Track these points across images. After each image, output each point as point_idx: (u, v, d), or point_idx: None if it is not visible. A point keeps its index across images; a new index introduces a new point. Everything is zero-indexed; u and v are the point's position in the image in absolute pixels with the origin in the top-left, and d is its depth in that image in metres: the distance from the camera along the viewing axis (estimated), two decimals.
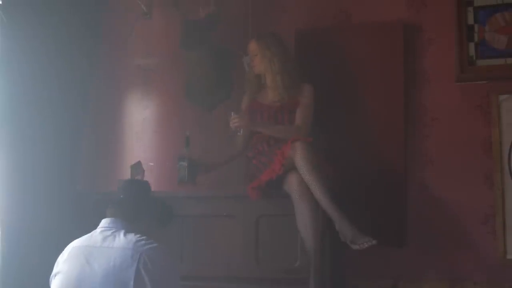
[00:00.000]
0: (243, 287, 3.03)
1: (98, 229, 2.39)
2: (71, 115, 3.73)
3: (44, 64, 3.46)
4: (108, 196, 2.71)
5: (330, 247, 2.97)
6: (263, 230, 3.09)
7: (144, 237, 2.30)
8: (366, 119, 3.43)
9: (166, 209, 2.58)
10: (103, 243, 2.30)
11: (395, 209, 3.32)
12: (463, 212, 3.27)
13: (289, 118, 3.27)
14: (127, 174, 3.39)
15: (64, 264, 2.33)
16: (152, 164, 3.70)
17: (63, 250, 2.41)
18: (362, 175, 3.32)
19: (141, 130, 3.84)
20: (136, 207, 2.44)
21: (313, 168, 2.90)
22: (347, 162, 3.29)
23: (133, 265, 2.20)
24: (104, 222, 2.40)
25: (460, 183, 3.28)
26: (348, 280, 3.23)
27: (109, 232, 2.33)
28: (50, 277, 2.39)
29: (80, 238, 2.40)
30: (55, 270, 2.37)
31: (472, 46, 3.34)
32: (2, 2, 3.29)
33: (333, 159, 3.16)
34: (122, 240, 2.28)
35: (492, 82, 3.29)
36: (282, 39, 3.35)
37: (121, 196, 2.45)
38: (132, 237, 2.29)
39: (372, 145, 3.40)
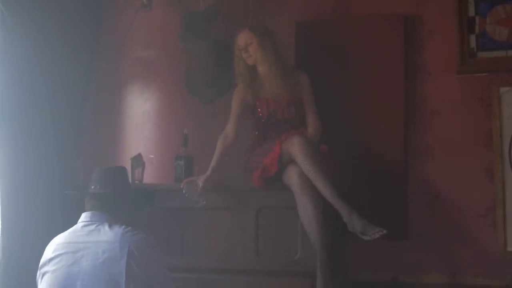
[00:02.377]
0: (243, 279, 3.03)
1: (80, 224, 2.35)
2: (71, 108, 3.73)
3: (44, 57, 3.46)
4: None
5: (334, 239, 2.97)
6: (263, 223, 3.10)
7: (129, 228, 2.28)
8: (367, 112, 3.42)
9: (145, 194, 2.55)
10: (88, 238, 2.27)
11: (396, 202, 3.32)
12: (463, 205, 3.27)
13: (296, 110, 3.25)
14: (127, 167, 3.39)
15: (51, 263, 2.29)
16: (152, 156, 3.70)
17: None
18: (363, 168, 3.31)
19: (141, 122, 3.84)
20: (117, 198, 2.40)
21: (314, 163, 2.89)
22: (348, 155, 3.29)
23: (122, 258, 2.19)
24: (84, 216, 2.37)
25: (461, 176, 3.28)
26: (349, 273, 3.23)
27: (92, 227, 2.31)
28: (37, 277, 2.35)
29: (61, 235, 2.36)
30: (41, 270, 2.33)
31: (473, 38, 3.33)
32: None
33: (333, 152, 3.15)
34: (108, 233, 2.26)
35: (493, 75, 3.28)
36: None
37: (98, 187, 2.40)
38: (118, 229, 2.27)
39: (373, 138, 3.39)
